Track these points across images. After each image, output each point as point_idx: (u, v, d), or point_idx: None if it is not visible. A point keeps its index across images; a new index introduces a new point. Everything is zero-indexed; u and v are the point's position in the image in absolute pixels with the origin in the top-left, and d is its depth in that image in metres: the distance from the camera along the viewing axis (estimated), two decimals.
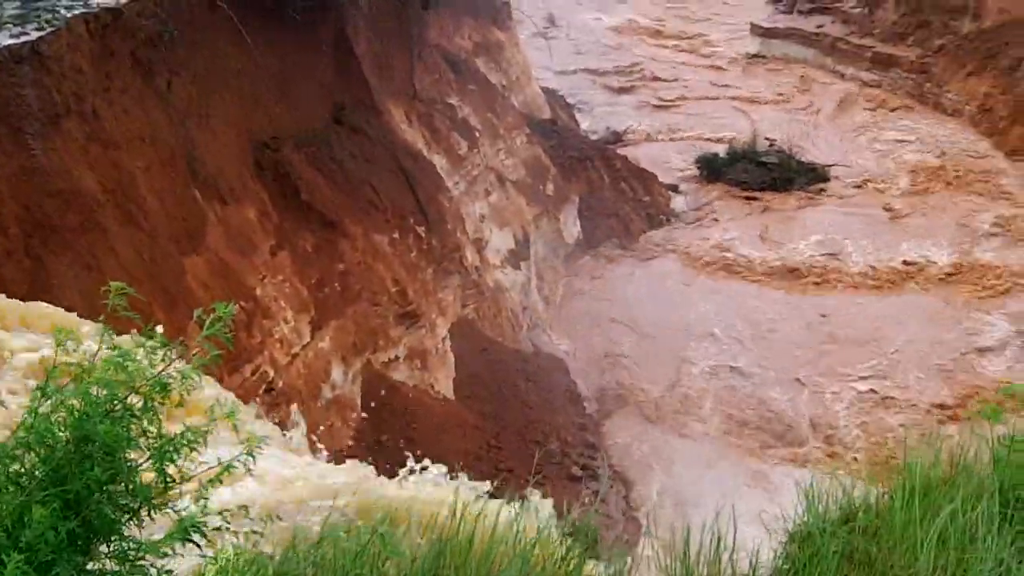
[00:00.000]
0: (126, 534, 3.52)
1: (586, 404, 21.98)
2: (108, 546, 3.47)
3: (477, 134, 24.94)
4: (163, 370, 3.64)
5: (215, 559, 3.89)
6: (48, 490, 3.27)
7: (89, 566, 3.43)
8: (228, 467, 3.80)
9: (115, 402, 3.50)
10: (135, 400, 3.56)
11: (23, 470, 3.33)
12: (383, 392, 18.39)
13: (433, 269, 20.69)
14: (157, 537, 3.53)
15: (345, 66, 20.78)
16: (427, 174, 21.57)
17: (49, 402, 3.43)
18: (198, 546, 3.88)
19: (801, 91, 41.33)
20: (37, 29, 13.32)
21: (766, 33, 45.18)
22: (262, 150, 18.41)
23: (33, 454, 3.36)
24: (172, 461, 3.53)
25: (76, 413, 3.40)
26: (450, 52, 26.29)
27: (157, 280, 15.04)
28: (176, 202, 15.96)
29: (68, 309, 9.26)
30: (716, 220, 30.42)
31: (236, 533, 4.34)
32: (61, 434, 3.36)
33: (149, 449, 3.55)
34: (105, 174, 14.54)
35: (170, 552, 3.56)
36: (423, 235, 20.56)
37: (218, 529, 3.91)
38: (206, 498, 3.94)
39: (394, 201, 20.19)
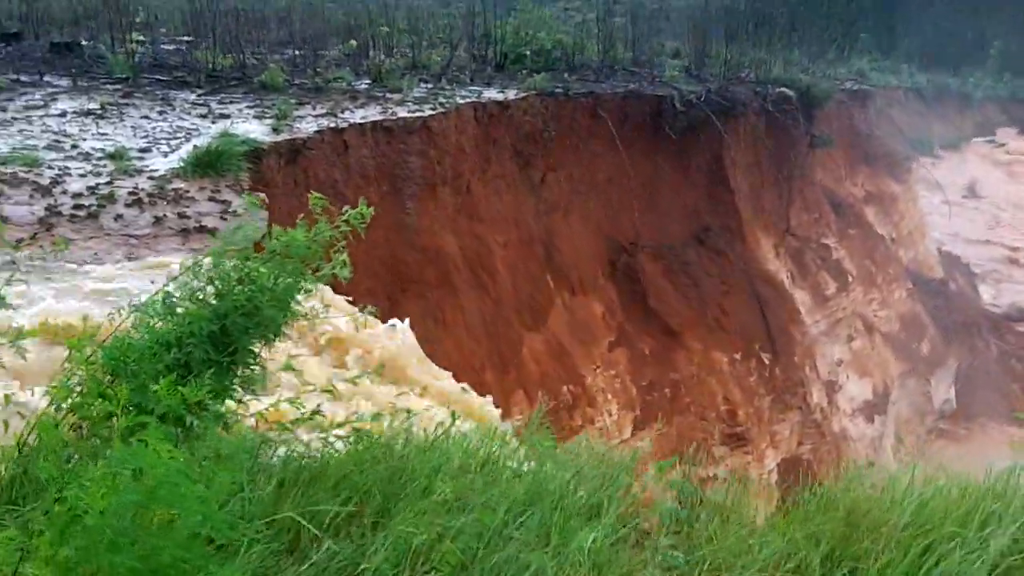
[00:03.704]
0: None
1: None
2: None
3: (850, 278, 24.43)
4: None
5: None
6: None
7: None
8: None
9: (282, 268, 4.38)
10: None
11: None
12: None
13: (772, 399, 20.38)
14: None
15: (716, 191, 21.47)
16: (783, 305, 21.48)
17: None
18: None
19: None
20: (431, 109, 15.42)
21: None
22: (619, 253, 19.45)
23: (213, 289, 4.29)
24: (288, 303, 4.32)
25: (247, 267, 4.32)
26: (836, 195, 26.15)
27: (495, 344, 16.37)
28: (527, 281, 17.34)
29: None
30: None
31: None
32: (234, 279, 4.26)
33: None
34: (466, 242, 16.27)
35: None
36: (767, 363, 20.40)
37: None
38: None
39: (742, 325, 20.30)
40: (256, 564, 2.99)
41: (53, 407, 3.96)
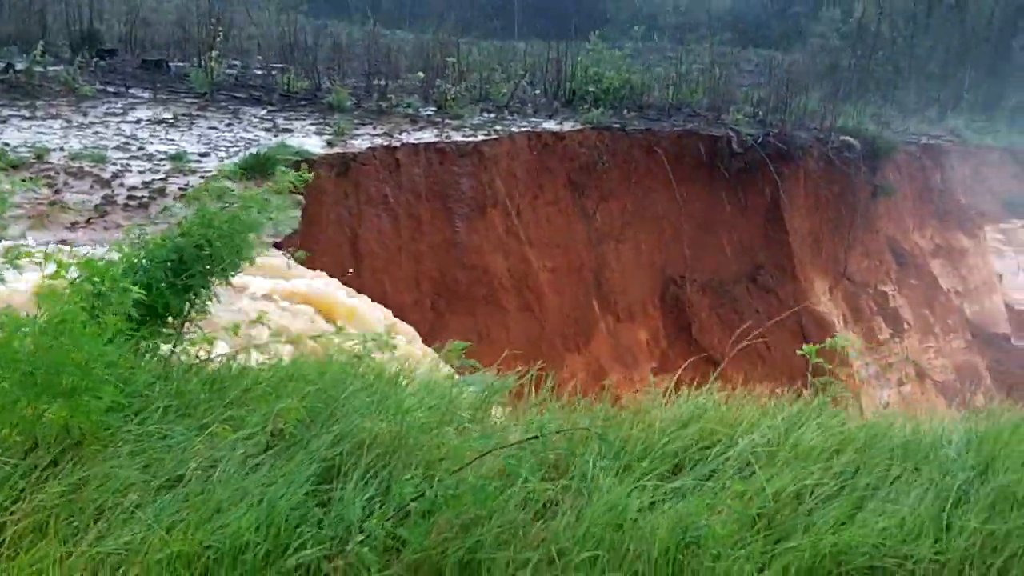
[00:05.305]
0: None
1: None
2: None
3: (906, 326, 24.49)
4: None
5: None
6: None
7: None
8: None
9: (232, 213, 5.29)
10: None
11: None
12: None
13: None
14: None
15: (771, 231, 21.90)
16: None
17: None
18: None
19: None
20: (484, 134, 16.36)
21: None
22: (668, 285, 20.04)
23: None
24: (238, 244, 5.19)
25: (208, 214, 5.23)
26: (901, 245, 26.27)
27: (537, 363, 17.05)
28: (572, 304, 18.04)
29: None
30: None
31: None
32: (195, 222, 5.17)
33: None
34: (515, 264, 17.06)
35: None
36: (809, 399, 20.60)
37: None
38: None
39: (786, 360, 20.59)
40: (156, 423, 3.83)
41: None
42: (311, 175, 5.45)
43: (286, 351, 5.25)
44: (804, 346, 5.05)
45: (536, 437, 3.46)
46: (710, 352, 19.88)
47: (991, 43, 55.63)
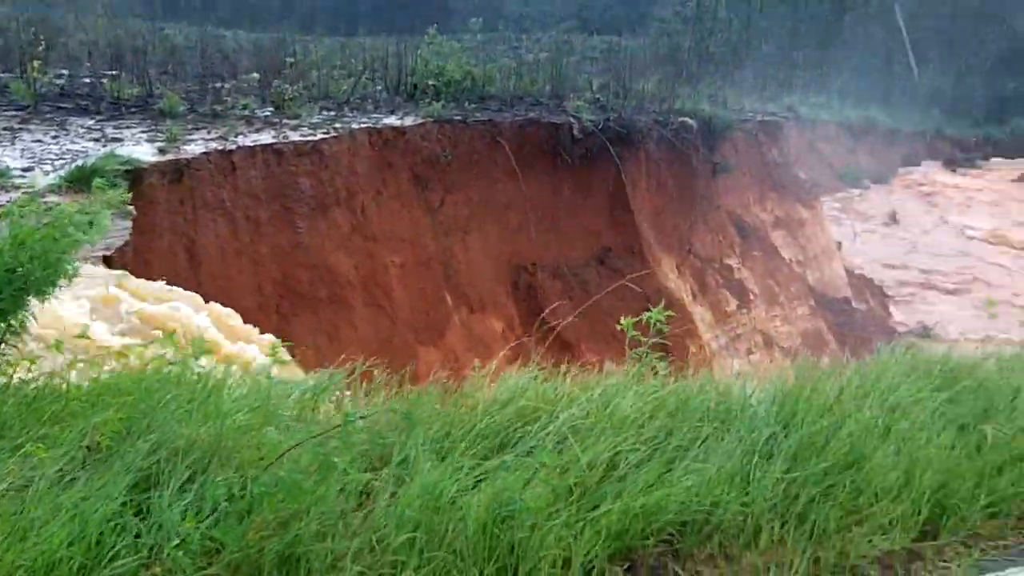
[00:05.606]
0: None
1: None
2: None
3: (751, 296, 25.46)
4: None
5: None
6: None
7: None
8: None
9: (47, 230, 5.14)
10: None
11: None
12: None
13: None
14: None
15: (618, 214, 22.42)
16: (679, 321, 22.36)
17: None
18: None
19: None
20: (324, 133, 16.22)
21: None
22: (518, 273, 20.31)
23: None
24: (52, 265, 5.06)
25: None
26: (743, 219, 27.25)
27: (389, 360, 17.04)
28: (423, 298, 18.08)
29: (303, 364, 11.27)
30: None
31: None
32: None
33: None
34: (361, 261, 16.98)
35: None
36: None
37: None
38: None
39: (636, 340, 21.15)
40: None
41: None
42: (128, 194, 5.34)
43: (110, 365, 5.14)
44: (622, 319, 5.17)
45: (339, 426, 3.52)
46: (562, 333, 20.24)
47: (824, 22, 58.11)
